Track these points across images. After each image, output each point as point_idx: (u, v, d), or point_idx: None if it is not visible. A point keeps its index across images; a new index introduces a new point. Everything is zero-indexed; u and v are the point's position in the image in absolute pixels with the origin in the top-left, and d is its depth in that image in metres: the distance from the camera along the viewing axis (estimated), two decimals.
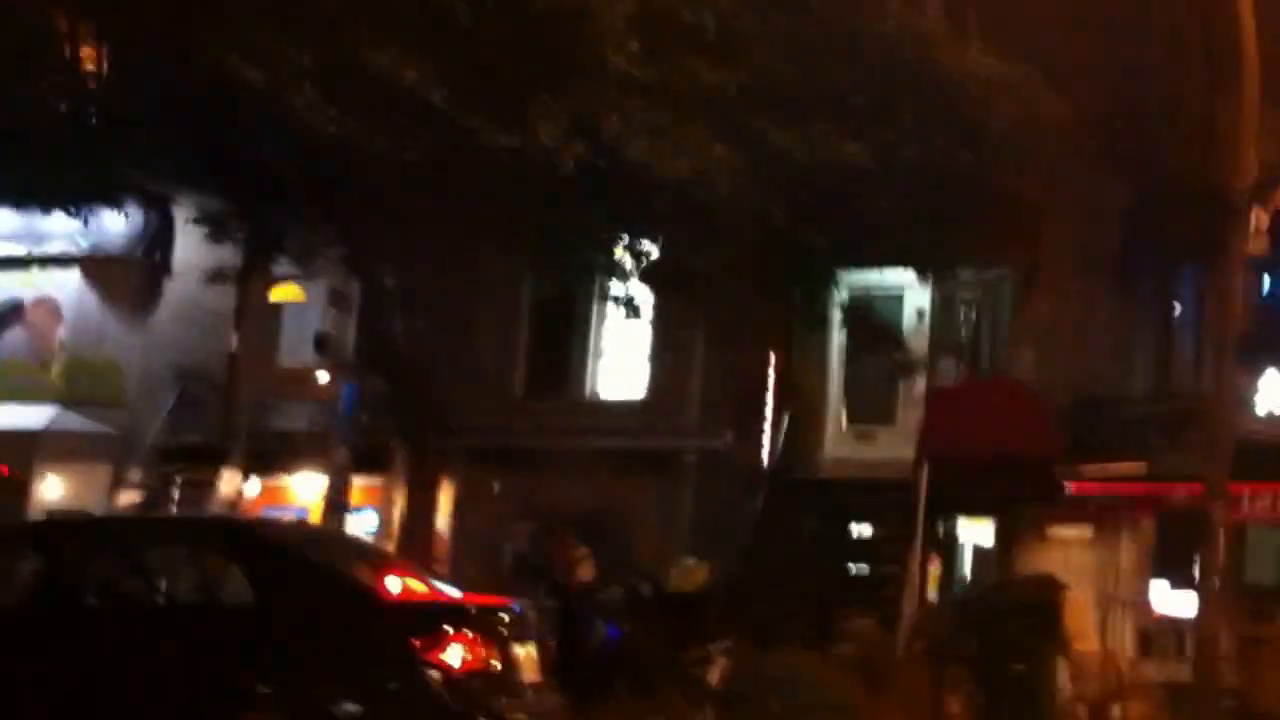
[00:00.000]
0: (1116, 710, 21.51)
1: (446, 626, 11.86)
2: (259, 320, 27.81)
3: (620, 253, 21.84)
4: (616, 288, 22.78)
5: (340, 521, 25.14)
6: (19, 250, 28.39)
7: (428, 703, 11.70)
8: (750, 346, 26.13)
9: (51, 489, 27.36)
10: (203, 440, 27.39)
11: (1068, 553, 24.52)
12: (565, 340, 28.77)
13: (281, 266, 24.66)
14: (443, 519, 27.81)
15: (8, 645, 12.30)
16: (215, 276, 23.32)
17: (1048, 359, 26.27)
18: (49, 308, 28.89)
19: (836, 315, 26.27)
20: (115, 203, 23.08)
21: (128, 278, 28.19)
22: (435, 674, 11.73)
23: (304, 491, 27.46)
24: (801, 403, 28.02)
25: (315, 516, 26.17)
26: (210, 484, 26.77)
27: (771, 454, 27.63)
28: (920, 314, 28.07)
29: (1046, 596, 21.63)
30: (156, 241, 25.72)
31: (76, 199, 21.69)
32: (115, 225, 27.06)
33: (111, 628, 12.44)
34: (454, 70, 17.22)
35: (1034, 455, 24.20)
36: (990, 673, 20.96)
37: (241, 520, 17.64)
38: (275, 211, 20.26)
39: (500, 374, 28.19)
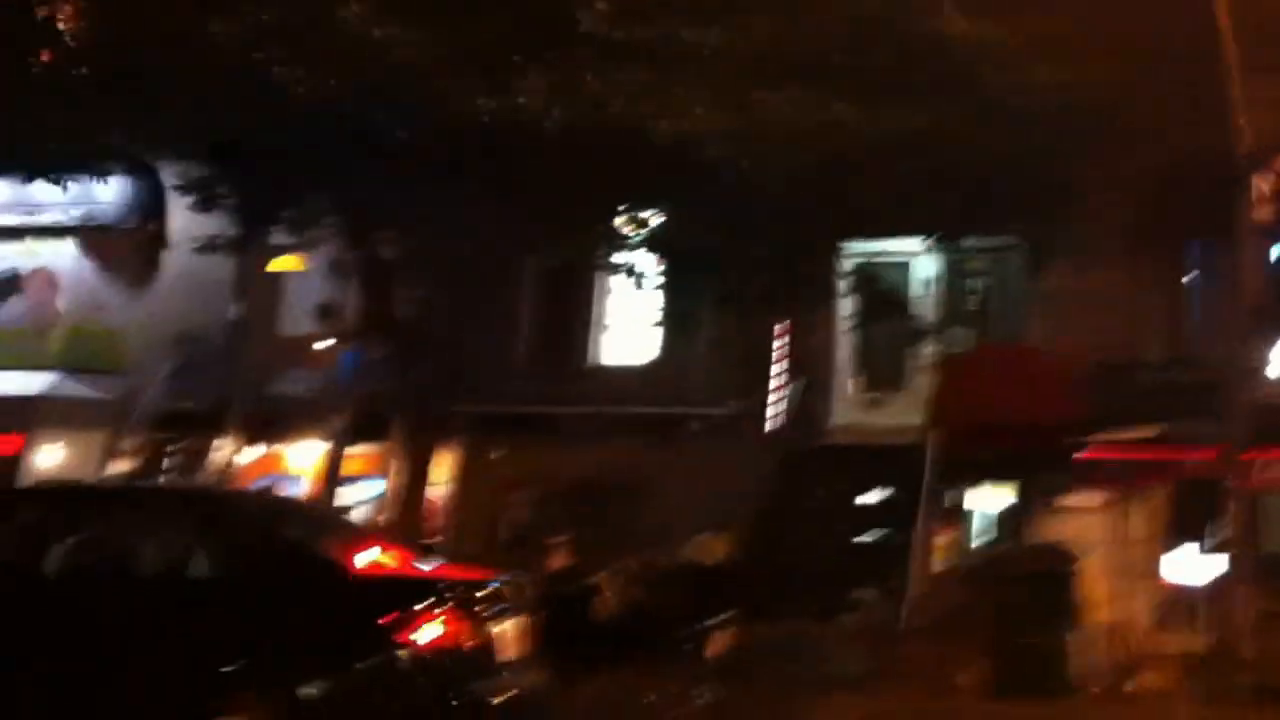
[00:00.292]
0: (1131, 682, 20.75)
1: (416, 604, 11.10)
2: (260, 289, 27.12)
3: (621, 222, 20.72)
4: (619, 257, 21.69)
5: (335, 490, 24.19)
6: (12, 220, 27.58)
7: (395, 683, 10.95)
8: (756, 313, 24.98)
9: (48, 456, 26.54)
10: (199, 407, 26.49)
11: (1082, 521, 23.76)
12: (569, 308, 28.12)
13: (279, 237, 23.62)
14: (446, 488, 27.16)
15: None
16: (205, 246, 22.31)
17: (1060, 328, 25.58)
18: (46, 277, 28.23)
19: (843, 282, 25.01)
20: (101, 171, 22.11)
21: (124, 248, 27.40)
22: (404, 653, 10.98)
23: (302, 459, 26.66)
24: (810, 369, 26.97)
25: (313, 484, 25.42)
26: (205, 451, 25.91)
27: (780, 420, 26.65)
28: (929, 283, 27.39)
29: (1058, 566, 21.09)
30: (150, 211, 24.83)
31: (62, 167, 20.68)
32: (108, 194, 26.41)
33: (68, 602, 11.63)
34: (427, 31, 16.16)
35: (1049, 420, 23.50)
36: (1000, 644, 20.34)
37: (205, 491, 16.65)
38: (262, 180, 19.20)
39: (504, 342, 27.51)
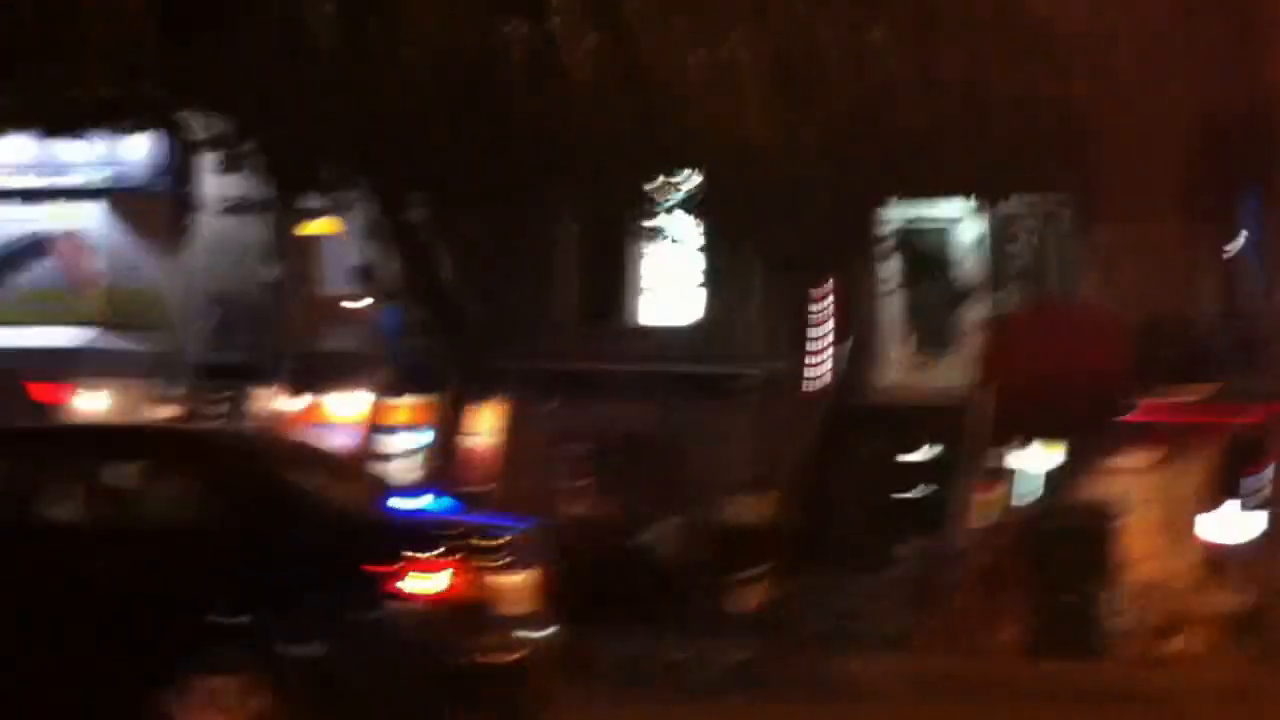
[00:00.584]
0: (1176, 641, 20.01)
1: (414, 552, 10.07)
2: (298, 251, 26.74)
3: (656, 187, 19.93)
4: (657, 220, 20.92)
5: (378, 438, 23.56)
6: (40, 182, 26.81)
7: (384, 636, 10.06)
8: (800, 274, 24.21)
9: (91, 404, 25.84)
10: (241, 360, 26.19)
11: (1127, 480, 22.97)
12: (615, 266, 27.45)
13: (312, 199, 22.89)
14: (495, 440, 26.53)
15: None
16: (234, 207, 21.63)
17: (1110, 285, 25.04)
18: (77, 242, 27.44)
19: (886, 245, 24.20)
20: (131, 127, 21.40)
21: (156, 211, 26.59)
22: (395, 604, 10.03)
23: (346, 410, 26.14)
24: (857, 330, 26.25)
25: (357, 433, 25.13)
26: (250, 400, 25.66)
27: (826, 379, 25.94)
28: (979, 242, 26.56)
29: (1096, 524, 20.50)
30: (180, 173, 24.19)
31: (91, 121, 20.02)
32: (137, 157, 25.70)
33: (35, 548, 10.72)
34: None
35: (1099, 378, 22.77)
36: (1038, 603, 19.78)
37: (184, 430, 15.71)
38: (291, 137, 18.45)
39: (547, 300, 26.81)
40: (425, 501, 11.80)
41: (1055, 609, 19.49)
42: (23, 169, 26.51)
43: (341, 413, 26.73)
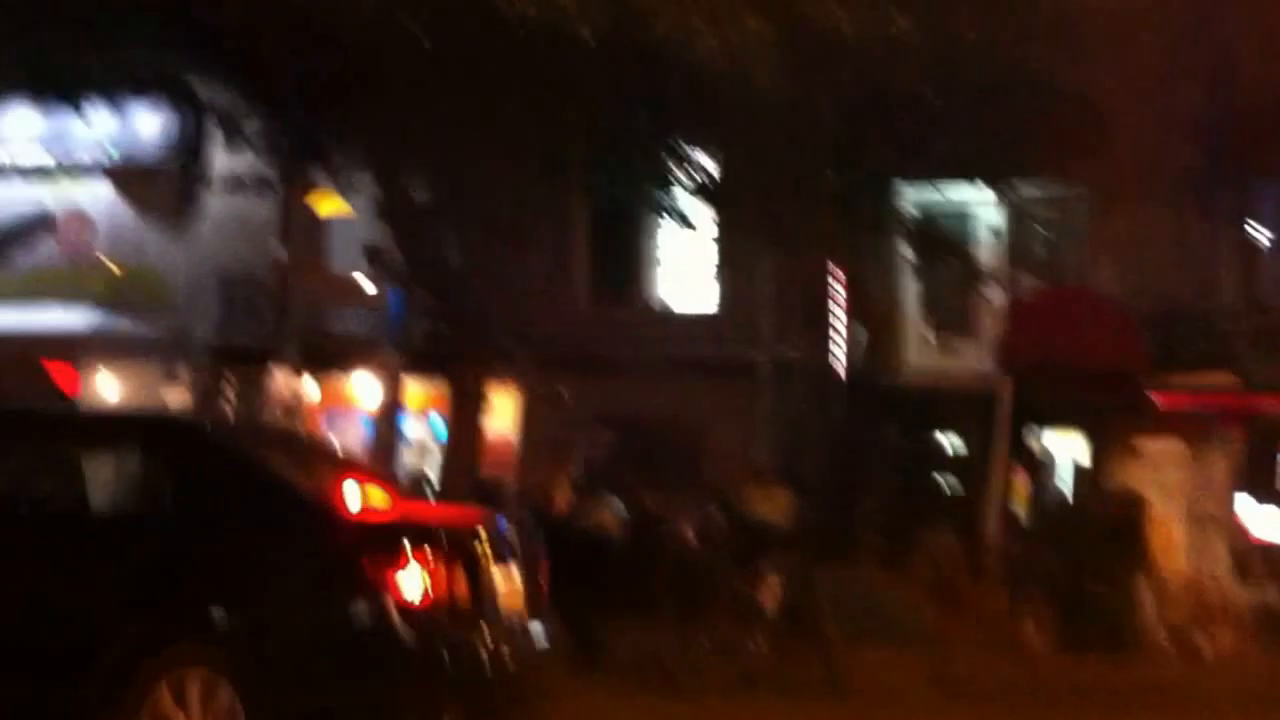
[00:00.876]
0: (1203, 635, 19.33)
1: (403, 546, 9.30)
2: (307, 231, 25.53)
3: (668, 162, 18.83)
4: (668, 199, 19.79)
5: (396, 424, 22.51)
6: (47, 158, 25.81)
7: (377, 634, 9.24)
8: (816, 255, 23.17)
9: (100, 387, 25.07)
10: (252, 341, 25.14)
11: (1159, 468, 22.45)
12: (627, 249, 26.37)
13: (318, 178, 22.23)
14: (512, 427, 25.73)
15: None
16: (238, 184, 20.59)
17: (1129, 274, 24.03)
18: (79, 219, 26.44)
19: (901, 227, 23.10)
20: (139, 94, 20.41)
21: (162, 189, 25.57)
22: (388, 600, 9.24)
23: (365, 395, 25.04)
24: (876, 312, 25.31)
25: (375, 419, 24.06)
26: (262, 383, 24.62)
27: (847, 363, 24.91)
28: (995, 232, 25.77)
29: (1127, 514, 19.90)
30: (190, 151, 23.15)
31: (101, 91, 19.02)
32: (145, 131, 24.68)
33: (20, 538, 9.87)
34: None
35: (1119, 366, 22.18)
36: (1068, 594, 19.13)
37: (174, 417, 14.63)
38: (293, 111, 17.42)
39: (560, 282, 25.82)
40: (412, 495, 10.85)
41: (1084, 603, 18.75)
42: (28, 144, 25.55)
43: (351, 398, 25.77)
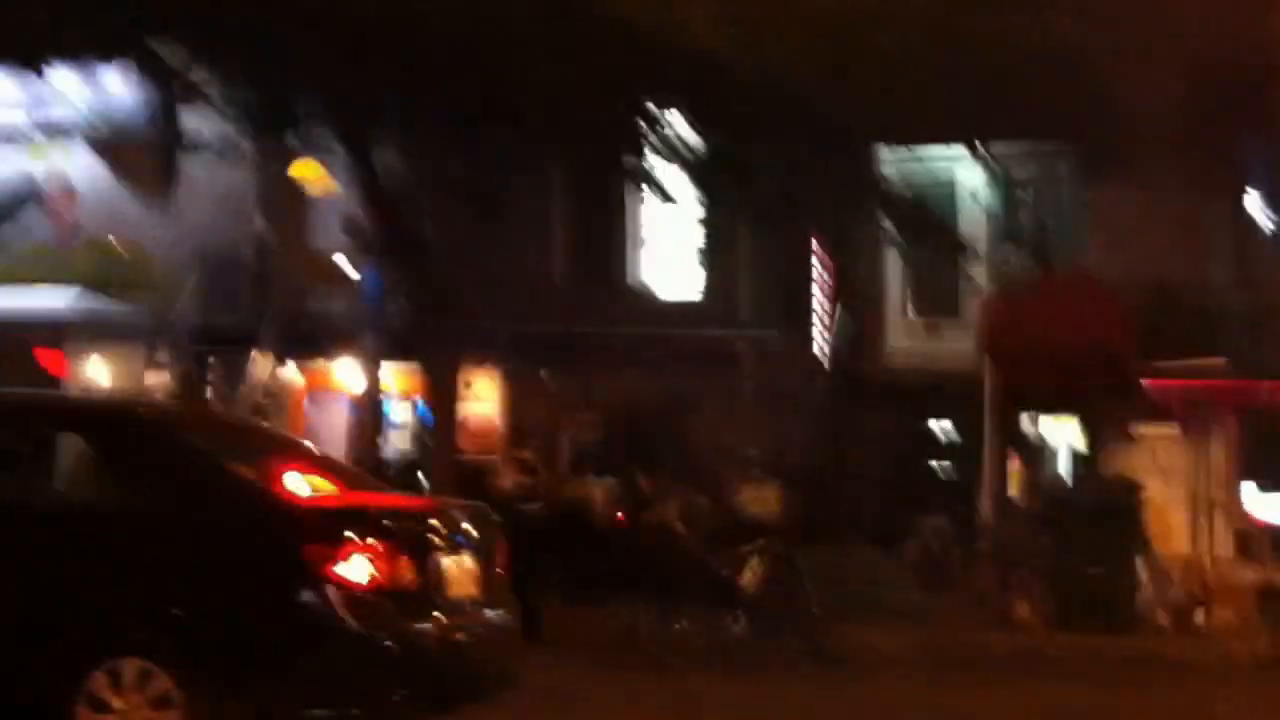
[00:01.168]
0: (1201, 615, 18.60)
1: (348, 533, 8.74)
2: (288, 205, 24.53)
3: (642, 126, 17.86)
4: (646, 169, 18.77)
5: (379, 408, 21.60)
6: (23, 120, 24.74)
7: (321, 624, 8.70)
8: (792, 228, 22.23)
9: (84, 372, 24.16)
10: (235, 323, 24.13)
11: (1155, 452, 21.72)
12: (604, 227, 25.34)
13: (290, 141, 20.83)
14: (496, 409, 24.80)
15: None
16: (209, 150, 19.64)
17: (1116, 248, 23.22)
18: (63, 187, 25.42)
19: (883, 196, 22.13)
20: (105, 59, 19.51)
21: (141, 156, 23.96)
22: (332, 590, 8.68)
23: (349, 378, 23.99)
24: (861, 296, 24.36)
25: (358, 402, 22.99)
26: (243, 367, 23.72)
27: (830, 346, 24.00)
28: (978, 203, 24.54)
29: (1123, 497, 19.03)
30: (165, 115, 22.16)
31: (67, 56, 18.15)
32: (120, 96, 23.40)
33: None
34: None
35: (1105, 350, 20.76)
36: (1062, 575, 18.31)
37: (108, 403, 13.78)
38: (259, 77, 16.48)
39: (536, 261, 24.89)
40: (363, 482, 10.40)
41: (1080, 583, 17.93)
42: (6, 109, 24.55)
43: (334, 382, 24.70)
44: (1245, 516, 21.08)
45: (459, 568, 9.32)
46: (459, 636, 9.20)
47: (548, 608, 16.04)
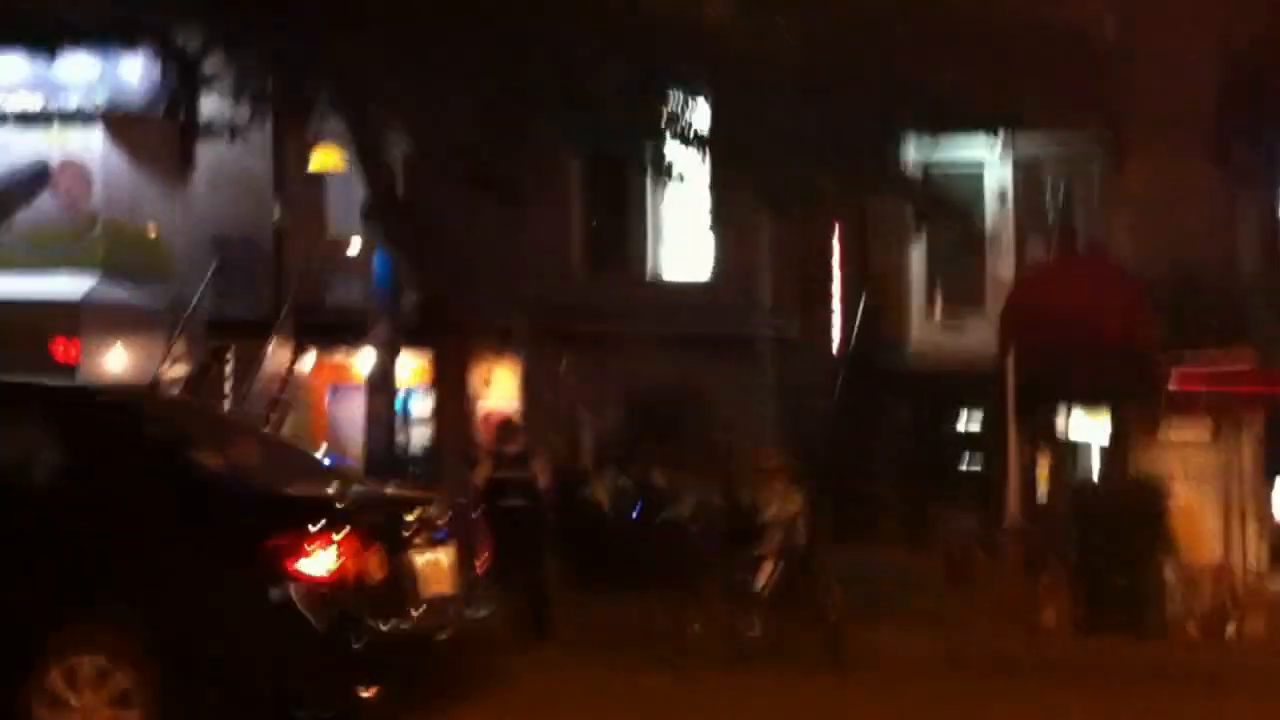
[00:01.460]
0: (1231, 625, 17.67)
1: (312, 526, 8.33)
2: (304, 190, 23.75)
3: (656, 110, 16.99)
4: (661, 154, 17.88)
5: (391, 399, 20.76)
6: (37, 103, 23.89)
7: (283, 620, 8.26)
8: (812, 218, 21.34)
9: (96, 361, 23.22)
10: (247, 312, 23.42)
11: (1185, 454, 20.21)
12: (623, 217, 24.47)
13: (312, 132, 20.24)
14: (512, 400, 23.89)
15: None
16: (219, 130, 18.85)
17: (1143, 236, 22.38)
18: (77, 170, 24.48)
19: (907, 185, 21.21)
20: (128, 43, 18.79)
21: (155, 138, 23.71)
22: (294, 584, 8.27)
23: (363, 367, 22.99)
24: (879, 286, 23.35)
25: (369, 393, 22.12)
26: (257, 357, 23.02)
27: (845, 340, 23.11)
28: (1003, 189, 24.14)
29: (1150, 502, 18.14)
30: (179, 97, 21.40)
31: (75, 37, 17.42)
32: (133, 77, 22.82)
33: None
34: None
35: (1129, 342, 20.00)
36: (1089, 581, 17.44)
37: (67, 388, 13.14)
38: (247, 49, 15.70)
39: (554, 250, 23.90)
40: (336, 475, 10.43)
41: (1106, 587, 17.11)
42: (16, 89, 23.73)
43: (349, 371, 23.90)
44: (1274, 518, 20.11)
45: (435, 563, 8.91)
46: (434, 633, 8.83)
47: (558, 605, 15.45)
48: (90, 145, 24.05)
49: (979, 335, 22.84)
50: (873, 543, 20.66)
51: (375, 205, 17.18)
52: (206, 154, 22.59)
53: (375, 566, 8.40)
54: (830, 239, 23.11)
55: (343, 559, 8.21)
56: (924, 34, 16.30)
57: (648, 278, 24.37)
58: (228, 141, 19.29)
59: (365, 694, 8.27)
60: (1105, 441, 22.09)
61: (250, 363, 23.10)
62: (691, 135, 16.64)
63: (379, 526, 8.58)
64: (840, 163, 17.46)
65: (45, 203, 24.16)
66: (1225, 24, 20.63)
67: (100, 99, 23.34)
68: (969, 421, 24.34)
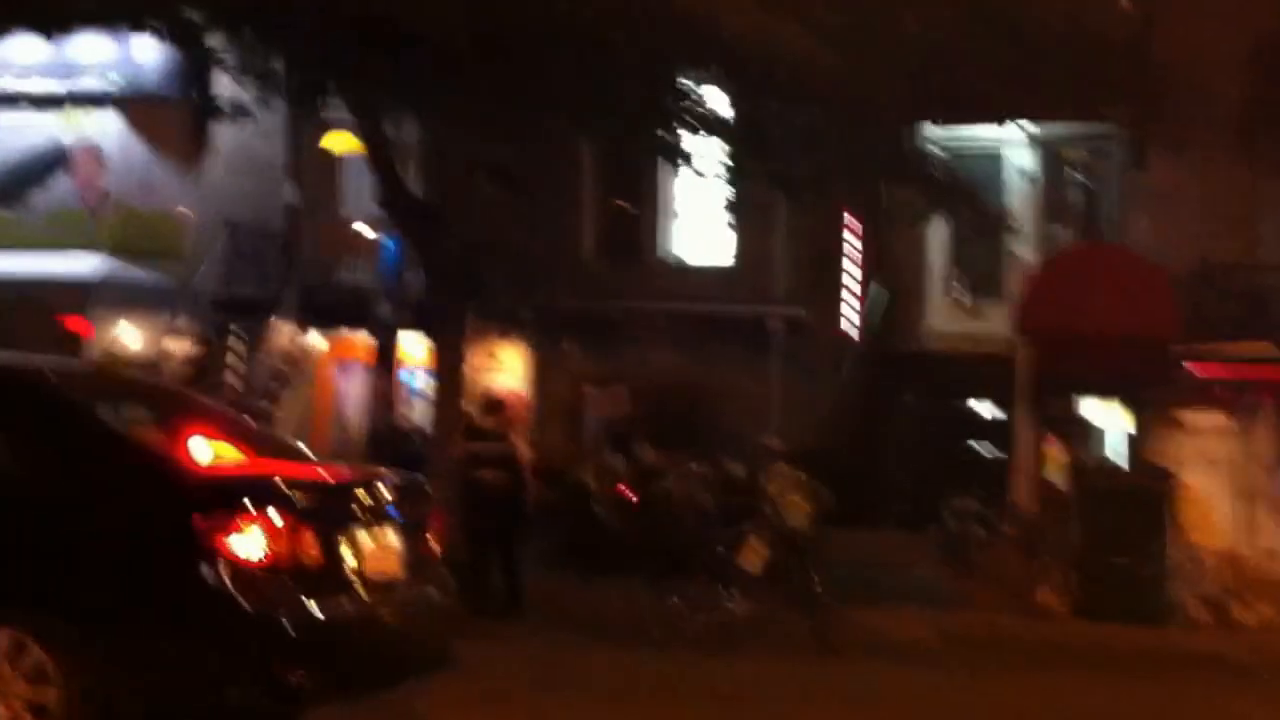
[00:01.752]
0: (1239, 609, 17.06)
1: (243, 504, 7.78)
2: (318, 173, 23.41)
3: (671, 99, 16.43)
4: (671, 139, 17.31)
5: (393, 380, 20.37)
6: (52, 85, 23.74)
7: (210, 600, 7.72)
8: (829, 204, 20.80)
9: (109, 339, 23.07)
10: (257, 293, 23.08)
11: (1203, 441, 19.97)
12: (635, 200, 23.85)
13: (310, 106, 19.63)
14: (523, 384, 23.48)
15: None
16: (224, 111, 18.46)
17: (1165, 226, 21.40)
18: (92, 153, 24.34)
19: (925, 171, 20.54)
20: (139, 24, 18.31)
21: (170, 120, 23.50)
22: (223, 563, 7.71)
23: (371, 348, 22.98)
24: (900, 271, 22.82)
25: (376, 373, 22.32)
26: (265, 337, 22.69)
27: (864, 324, 22.51)
28: (1024, 176, 23.36)
29: (1152, 485, 17.73)
30: (194, 80, 21.01)
31: (104, 21, 17.02)
32: (148, 60, 22.56)
33: None
34: None
35: (1149, 333, 19.50)
36: (1089, 564, 16.90)
37: None
38: (276, 41, 15.24)
39: (565, 234, 23.39)
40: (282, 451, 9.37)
41: (1107, 570, 16.57)
42: (32, 72, 23.52)
43: (359, 350, 23.51)
44: None
45: (380, 542, 8.31)
46: (377, 615, 8.21)
47: (537, 584, 15.02)
48: (105, 128, 23.83)
49: (997, 321, 22.33)
50: (879, 526, 20.24)
51: (386, 197, 16.64)
52: (220, 136, 22.31)
53: (311, 546, 7.86)
54: (846, 225, 22.50)
55: (275, 538, 7.70)
56: (951, 27, 15.75)
57: (660, 263, 23.78)
58: (241, 124, 18.93)
59: (294, 677, 7.73)
60: (1119, 428, 21.50)
61: (256, 339, 22.71)
62: (710, 123, 16.12)
63: (318, 505, 8.02)
64: (857, 150, 16.94)
65: (60, 184, 23.96)
66: (1253, 13, 19.99)
67: (115, 82, 23.10)
68: (983, 407, 23.72)
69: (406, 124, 17.70)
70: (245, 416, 10.39)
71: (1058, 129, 22.36)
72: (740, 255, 23.46)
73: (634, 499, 18.55)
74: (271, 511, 7.71)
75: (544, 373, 23.40)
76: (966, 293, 23.47)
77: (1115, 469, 20.15)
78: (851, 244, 22.62)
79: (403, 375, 22.76)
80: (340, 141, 21.61)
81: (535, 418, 22.84)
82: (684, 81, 16.17)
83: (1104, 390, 21.41)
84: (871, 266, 22.80)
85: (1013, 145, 22.72)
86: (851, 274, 22.62)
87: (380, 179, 16.68)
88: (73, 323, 22.31)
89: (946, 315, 23.81)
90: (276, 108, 18.51)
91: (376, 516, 8.34)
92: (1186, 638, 15.75)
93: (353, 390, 23.54)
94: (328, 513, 8.06)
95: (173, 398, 10.03)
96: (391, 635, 8.35)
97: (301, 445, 9.57)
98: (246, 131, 20.56)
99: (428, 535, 8.90)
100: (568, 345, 22.86)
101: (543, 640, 13.36)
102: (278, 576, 7.70)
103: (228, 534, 7.62)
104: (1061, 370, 20.13)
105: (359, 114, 16.56)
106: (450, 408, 16.50)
